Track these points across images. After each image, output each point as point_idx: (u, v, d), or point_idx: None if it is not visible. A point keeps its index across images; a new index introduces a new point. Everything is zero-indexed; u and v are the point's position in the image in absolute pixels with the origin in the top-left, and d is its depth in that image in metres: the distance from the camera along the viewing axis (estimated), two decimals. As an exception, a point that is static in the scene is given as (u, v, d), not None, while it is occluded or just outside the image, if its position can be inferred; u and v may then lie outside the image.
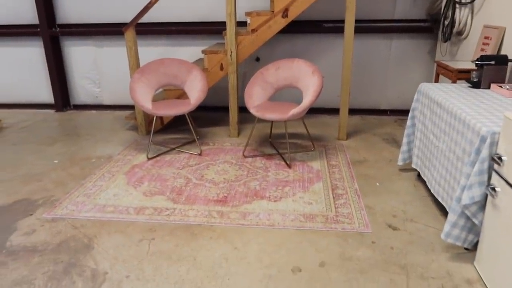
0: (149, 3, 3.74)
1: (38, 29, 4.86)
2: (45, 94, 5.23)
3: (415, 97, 2.96)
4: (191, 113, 3.59)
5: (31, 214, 2.67)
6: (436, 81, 3.59)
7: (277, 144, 3.83)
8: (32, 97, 5.28)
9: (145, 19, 4.30)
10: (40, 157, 3.64)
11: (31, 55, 5.09)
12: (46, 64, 5.03)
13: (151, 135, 3.62)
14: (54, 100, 5.15)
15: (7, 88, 5.28)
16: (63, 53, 5.08)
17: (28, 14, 4.90)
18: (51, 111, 5.17)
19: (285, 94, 4.75)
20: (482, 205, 1.97)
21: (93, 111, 5.17)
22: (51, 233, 2.45)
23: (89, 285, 1.98)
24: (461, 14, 3.54)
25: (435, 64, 3.86)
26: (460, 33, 3.63)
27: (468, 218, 2.05)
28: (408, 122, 3.03)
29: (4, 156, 3.68)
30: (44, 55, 4.98)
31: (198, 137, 4.02)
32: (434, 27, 4.31)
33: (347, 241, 2.31)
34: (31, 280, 2.03)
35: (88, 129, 4.46)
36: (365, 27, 4.41)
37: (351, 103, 3.95)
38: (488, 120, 2.04)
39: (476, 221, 2.00)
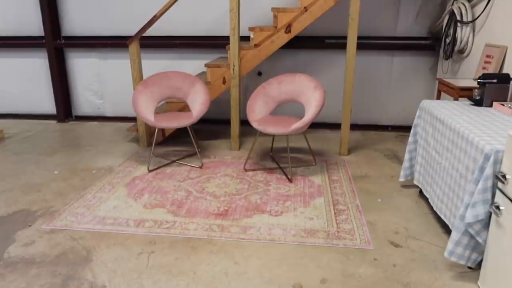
0: (154, 16, 3.78)
1: (44, 41, 4.90)
2: (48, 105, 5.25)
3: (417, 113, 2.96)
4: (193, 126, 3.60)
5: (30, 225, 2.65)
6: (438, 98, 3.61)
7: (278, 158, 3.82)
8: (35, 107, 5.30)
9: (149, 32, 4.34)
10: (41, 168, 3.63)
11: (35, 66, 5.13)
12: (49, 75, 5.06)
13: (153, 147, 3.61)
14: (57, 110, 5.16)
15: (11, 98, 5.30)
16: (67, 65, 5.11)
17: (34, 26, 4.95)
18: (53, 122, 5.18)
19: (287, 108, 4.77)
20: (486, 223, 1.95)
21: (95, 122, 5.18)
22: (49, 244, 2.42)
23: (87, 299, 1.95)
24: (463, 33, 3.57)
25: (437, 81, 3.88)
26: (461, 51, 3.66)
27: (471, 236, 2.03)
28: (410, 139, 3.03)
29: (5, 166, 3.67)
30: (48, 67, 5.01)
31: (199, 149, 4.01)
32: (436, 45, 4.35)
33: (349, 258, 2.28)
34: (28, 293, 2.00)
35: (89, 140, 4.46)
36: (367, 43, 4.45)
37: (352, 119, 3.96)
38: (491, 138, 2.04)
39: (480, 240, 1.98)
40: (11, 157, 3.91)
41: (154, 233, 2.52)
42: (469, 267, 2.16)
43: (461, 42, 3.60)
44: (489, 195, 1.91)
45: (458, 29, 3.62)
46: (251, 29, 3.94)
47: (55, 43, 4.89)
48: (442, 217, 2.46)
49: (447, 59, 3.91)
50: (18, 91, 5.25)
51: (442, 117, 2.52)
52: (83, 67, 5.09)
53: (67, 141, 4.43)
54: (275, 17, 3.81)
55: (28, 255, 2.32)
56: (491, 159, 1.88)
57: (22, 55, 5.11)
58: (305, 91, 3.51)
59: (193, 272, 2.15)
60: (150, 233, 2.52)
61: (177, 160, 3.77)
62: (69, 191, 3.15)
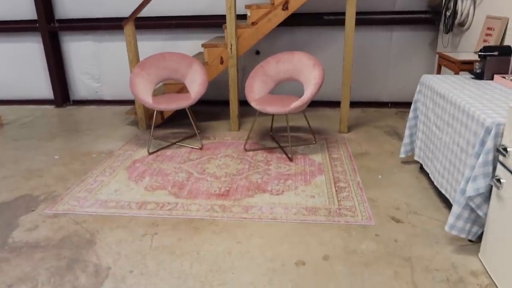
0: (148, -4, 3.71)
1: (37, 25, 4.82)
2: (45, 90, 5.21)
3: (417, 88, 2.94)
4: (191, 107, 3.58)
5: (33, 210, 2.66)
6: (438, 72, 3.57)
7: (278, 137, 3.81)
8: (31, 93, 5.26)
9: (144, 13, 4.26)
10: (41, 153, 3.63)
11: (30, 51, 5.06)
12: (45, 60, 5.00)
13: (152, 129, 3.60)
14: (54, 95, 5.13)
15: (7, 84, 5.25)
16: (62, 49, 5.04)
17: (26, 9, 4.86)
18: (51, 107, 5.14)
19: (285, 87, 4.72)
20: (486, 196, 1.96)
21: (93, 106, 5.15)
22: (53, 228, 2.44)
23: (92, 281, 1.98)
24: (463, 5, 3.51)
25: (437, 56, 3.83)
26: (462, 24, 3.60)
27: (472, 210, 2.03)
28: (410, 114, 3.02)
29: (5, 153, 3.66)
30: (43, 51, 4.95)
31: (199, 131, 4.00)
32: (436, 18, 4.27)
33: (351, 234, 2.30)
34: (34, 276, 2.02)
35: (88, 124, 4.44)
36: (365, 19, 4.37)
37: (352, 96, 3.94)
38: (493, 111, 2.02)
39: (480, 213, 1.98)
40: (11, 143, 3.90)
41: (156, 215, 2.54)
42: (470, 240, 2.18)
43: (461, 14, 3.54)
44: (490, 169, 1.91)
45: (459, 1, 3.55)
46: (247, 7, 3.87)
47: (49, 27, 4.82)
48: (443, 191, 2.47)
49: (447, 32, 3.85)
50: (14, 76, 5.20)
51: (442, 91, 2.50)
52: (79, 51, 5.02)
53: (66, 126, 4.41)
54: (272, -6, 3.73)
55: (32, 239, 2.33)
56: (492, 133, 1.87)
57: (15, 39, 5.03)
58: (303, 69, 3.47)
59: (197, 252, 2.17)
60: (152, 215, 2.54)
61: (177, 142, 3.76)
62: (70, 176, 3.15)
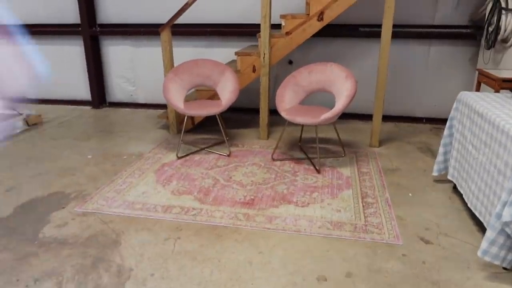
0: (186, 4, 3.79)
1: (80, 29, 5.03)
2: (83, 91, 5.40)
3: (454, 105, 2.84)
4: (221, 114, 3.60)
5: (64, 207, 2.74)
6: (478, 90, 3.44)
7: (307, 148, 3.77)
8: (71, 93, 5.47)
9: (180, 20, 4.35)
10: (75, 152, 3.75)
11: (71, 53, 5.28)
12: (85, 62, 5.19)
13: (182, 134, 3.65)
14: (91, 97, 5.31)
15: (48, 84, 5.48)
16: (101, 52, 5.23)
17: (71, 14, 5.07)
18: (88, 108, 5.33)
19: (317, 98, 4.68)
20: (524, 223, 1.85)
21: (128, 109, 5.29)
22: (81, 227, 2.50)
23: (115, 281, 2.01)
24: (507, 21, 3.37)
25: (477, 72, 3.69)
26: (505, 40, 3.46)
27: (508, 236, 1.93)
28: (446, 132, 2.91)
29: (43, 150, 3.82)
30: (84, 54, 5.14)
31: (227, 138, 4.02)
32: (477, 33, 4.13)
33: (376, 252, 2.23)
34: (60, 272, 2.08)
35: (121, 126, 4.56)
36: (402, 32, 4.28)
37: (385, 110, 3.84)
38: (534, 132, 1.92)
39: (516, 240, 1.88)
40: (49, 141, 4.06)
41: (180, 220, 2.56)
42: (504, 268, 2.06)
43: (505, 30, 3.40)
44: (529, 194, 1.80)
45: (503, 16, 3.42)
46: (282, 16, 3.88)
47: (91, 31, 5.01)
48: (477, 214, 2.35)
49: (489, 48, 3.70)
50: (55, 77, 5.43)
51: (481, 109, 2.39)
52: (117, 55, 5.19)
53: (101, 127, 4.55)
54: (308, 4, 3.73)
55: (61, 236, 2.40)
56: (533, 156, 1.77)
57: (59, 42, 5.27)
58: (336, 80, 3.43)
59: (218, 259, 2.17)
60: (176, 219, 2.56)
61: (206, 148, 3.79)
62: (101, 176, 3.24)
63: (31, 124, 4.47)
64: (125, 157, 3.63)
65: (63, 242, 2.34)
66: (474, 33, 4.16)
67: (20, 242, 2.34)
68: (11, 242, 2.34)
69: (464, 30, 4.24)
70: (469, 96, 2.65)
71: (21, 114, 4.44)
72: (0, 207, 2.74)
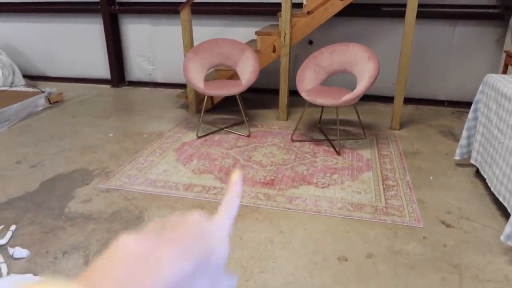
0: (206, -18, 3.74)
1: (99, 7, 5.02)
2: (103, 70, 5.44)
3: (480, 88, 2.77)
4: (241, 94, 3.59)
5: (88, 184, 2.81)
6: (504, 72, 3.35)
7: (327, 130, 3.75)
8: (90, 72, 5.52)
9: (200, -2, 4.32)
10: (96, 130, 3.81)
11: (91, 32, 5.29)
12: (104, 41, 5.21)
13: (202, 114, 3.66)
14: (111, 76, 5.34)
15: (69, 63, 5.54)
16: (120, 31, 5.23)
17: (90, -9, 5.07)
18: (107, 86, 5.37)
19: (337, 79, 4.62)
20: (551, 208, 1.82)
21: (146, 88, 5.32)
22: (105, 203, 2.56)
23: (140, 255, 2.06)
24: (539, 0, 3.24)
25: (504, 54, 3.59)
26: (535, 21, 3.34)
27: (533, 221, 1.91)
28: (470, 115, 2.86)
29: (64, 127, 3.88)
30: (103, 32, 5.15)
31: (247, 118, 4.01)
32: (505, 13, 3.99)
33: (397, 234, 2.23)
34: (87, 246, 2.14)
35: (141, 105, 4.60)
36: (427, 12, 4.16)
37: (406, 92, 3.78)
38: None
39: (542, 225, 1.86)
40: (70, 119, 4.13)
41: (202, 198, 2.59)
42: (528, 253, 2.05)
43: (536, 10, 3.28)
44: (558, 179, 1.77)
45: (534, -4, 3.29)
46: (304, -5, 3.80)
47: (110, 9, 5.00)
48: (501, 199, 2.33)
49: (517, 29, 3.58)
50: (75, 56, 5.48)
51: (509, 92, 2.34)
52: (136, 33, 5.18)
53: (121, 106, 4.60)
54: (330, -18, 3.64)
55: (86, 211, 2.47)
56: None
57: (78, 20, 5.28)
58: (358, 61, 3.37)
59: (239, 238, 2.20)
60: (198, 198, 2.60)
61: (225, 128, 3.80)
62: (122, 154, 3.29)
63: (53, 102, 4.53)
64: (145, 135, 3.67)
65: (88, 217, 2.40)
66: (502, 13, 4.02)
67: (47, 216, 2.41)
68: (38, 216, 2.41)
69: (491, 10, 4.10)
70: (496, 79, 2.59)
71: (43, 92, 4.50)
72: (27, 182, 2.82)
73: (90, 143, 3.50)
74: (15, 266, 1.99)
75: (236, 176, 0.41)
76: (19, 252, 2.07)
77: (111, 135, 3.69)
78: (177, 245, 0.30)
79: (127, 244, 0.29)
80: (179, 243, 0.31)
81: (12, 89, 4.74)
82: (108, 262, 0.28)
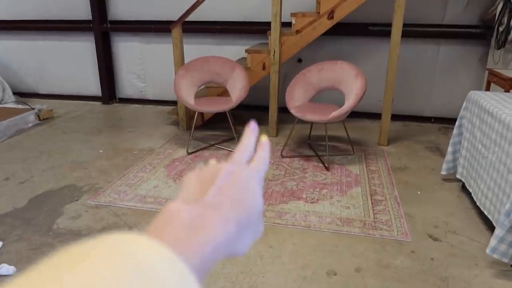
0: (196, 2, 3.82)
1: (91, 25, 5.08)
2: (94, 87, 5.46)
3: (464, 104, 2.85)
4: (231, 111, 3.64)
5: (77, 200, 2.79)
6: (487, 89, 3.45)
7: (316, 146, 3.80)
8: (81, 89, 5.53)
9: (191, 17, 4.39)
10: (87, 146, 3.81)
11: (82, 50, 5.33)
12: (95, 58, 5.25)
13: (192, 130, 3.69)
14: (102, 93, 5.36)
15: (60, 80, 5.55)
16: (112, 49, 5.28)
17: (82, 10, 5.13)
18: (98, 103, 5.38)
19: (326, 95, 4.70)
20: (533, 221, 1.87)
21: (137, 105, 5.34)
22: (94, 219, 2.55)
23: (129, 271, 2.05)
24: (518, 21, 3.37)
25: (487, 72, 3.70)
26: (515, 40, 3.46)
27: (517, 233, 1.95)
28: (455, 131, 2.93)
29: (55, 144, 3.87)
30: (95, 50, 5.20)
31: (237, 134, 4.05)
32: (487, 33, 4.13)
33: (385, 249, 2.26)
34: (75, 262, 2.12)
35: (131, 121, 4.61)
36: (412, 31, 4.28)
37: (393, 109, 3.86)
38: (545, 132, 1.93)
39: (526, 238, 1.90)
40: (60, 135, 4.12)
41: (192, 214, 2.59)
42: (513, 266, 2.09)
43: (515, 30, 3.40)
44: (539, 192, 1.82)
45: (513, 16, 3.42)
46: (293, 15, 3.90)
47: (102, 27, 5.06)
48: (486, 212, 2.37)
49: (499, 48, 3.71)
50: (66, 73, 5.50)
51: (491, 109, 2.41)
52: (127, 51, 5.24)
53: (111, 122, 4.61)
54: (318, 2, 3.75)
55: (75, 227, 2.45)
56: (544, 154, 1.79)
57: (70, 38, 5.33)
58: (346, 79, 3.45)
59: (229, 253, 2.20)
60: (188, 213, 2.59)
61: (215, 144, 3.83)
62: (112, 170, 3.29)
63: (43, 118, 4.53)
64: (135, 152, 3.67)
65: (77, 234, 2.39)
66: (484, 33, 4.16)
67: (35, 232, 2.39)
68: (26, 232, 2.39)
69: (474, 30, 4.24)
70: (479, 95, 2.67)
71: (33, 109, 4.50)
72: (15, 199, 2.80)
73: (80, 160, 3.50)
74: (1, 284, 1.96)
75: (265, 138, 0.45)
76: (6, 269, 2.04)
77: (101, 151, 3.69)
78: (221, 210, 0.35)
79: (179, 209, 0.33)
80: (223, 208, 0.35)
81: (1, 106, 4.73)
82: (163, 224, 0.32)
